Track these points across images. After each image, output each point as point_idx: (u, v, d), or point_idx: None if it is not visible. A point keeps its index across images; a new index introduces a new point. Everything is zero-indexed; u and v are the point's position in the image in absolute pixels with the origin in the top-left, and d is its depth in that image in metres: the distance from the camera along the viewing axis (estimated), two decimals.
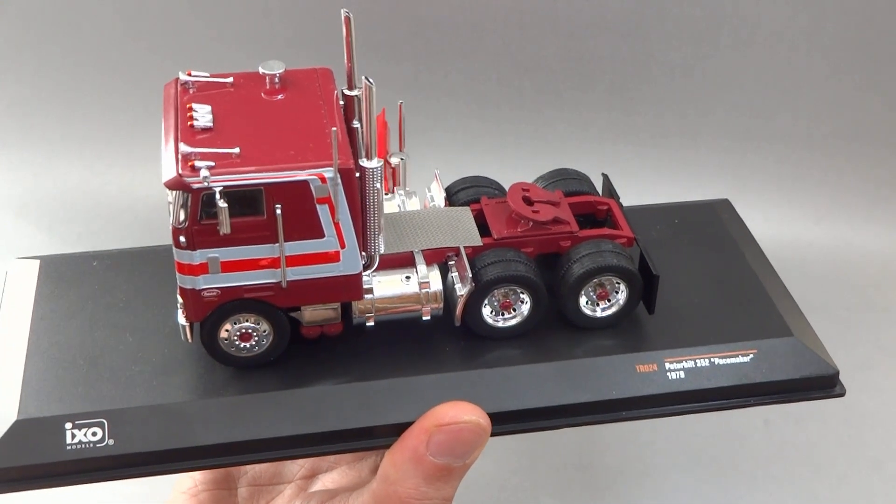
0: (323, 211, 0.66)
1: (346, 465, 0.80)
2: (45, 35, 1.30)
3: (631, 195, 0.87)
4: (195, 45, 1.29)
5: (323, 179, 0.64)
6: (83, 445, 0.67)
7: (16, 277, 0.79)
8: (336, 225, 0.66)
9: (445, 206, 0.78)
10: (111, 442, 0.67)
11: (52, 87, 1.32)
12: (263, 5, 1.28)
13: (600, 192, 0.82)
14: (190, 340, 0.70)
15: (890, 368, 1.13)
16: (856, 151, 1.30)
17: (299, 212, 0.65)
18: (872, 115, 1.29)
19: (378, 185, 0.68)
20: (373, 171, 0.67)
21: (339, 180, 0.65)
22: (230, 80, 0.71)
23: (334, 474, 0.79)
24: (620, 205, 0.79)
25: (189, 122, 0.66)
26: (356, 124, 0.69)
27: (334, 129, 0.64)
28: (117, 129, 1.32)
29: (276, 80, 0.71)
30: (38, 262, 0.80)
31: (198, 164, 0.63)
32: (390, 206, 0.77)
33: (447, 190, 0.80)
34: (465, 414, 0.66)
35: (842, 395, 0.74)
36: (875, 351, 1.15)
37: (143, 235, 1.20)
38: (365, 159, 0.67)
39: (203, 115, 0.67)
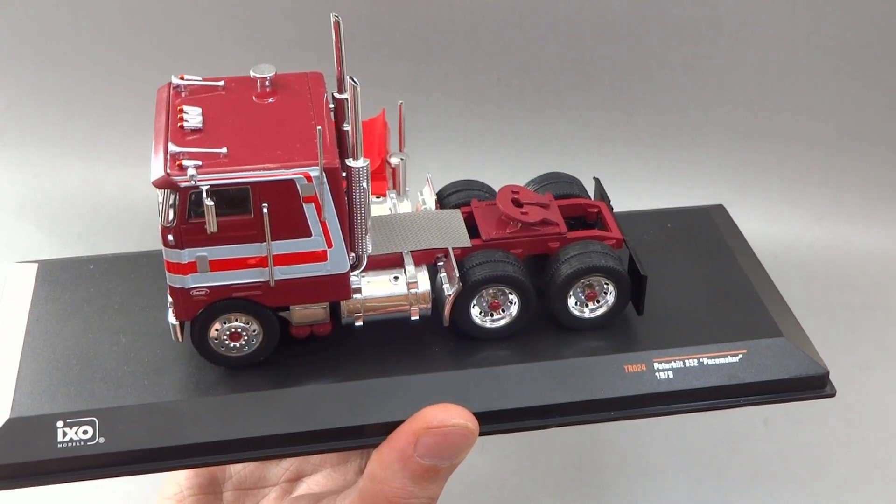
0: (309, 210, 0.66)
1: (330, 467, 0.80)
2: (45, 35, 1.30)
3: (631, 195, 0.87)
4: (196, 45, 1.30)
5: (309, 178, 0.65)
6: (74, 443, 0.67)
7: (14, 281, 0.80)
8: (323, 224, 0.67)
9: (436, 209, 0.78)
10: (102, 440, 0.67)
11: (52, 87, 1.32)
12: (262, 6, 1.28)
13: (592, 196, 0.82)
14: (180, 340, 0.70)
15: (890, 368, 1.12)
16: (856, 151, 1.30)
17: (286, 211, 0.66)
18: (873, 115, 1.29)
19: (364, 185, 0.68)
20: (359, 171, 0.67)
21: (325, 179, 0.65)
22: (221, 83, 0.71)
23: (319, 477, 0.79)
24: (611, 208, 0.79)
25: (179, 124, 0.67)
26: (346, 127, 0.69)
27: (319, 128, 0.64)
28: (117, 129, 1.32)
29: (267, 83, 0.71)
30: (35, 265, 0.81)
31: (185, 163, 0.63)
32: (381, 209, 0.77)
33: (439, 193, 0.80)
34: (453, 417, 0.67)
35: (832, 395, 0.74)
36: (875, 351, 1.14)
37: (142, 235, 1.20)
38: (351, 159, 0.68)
39: (193, 116, 0.67)
